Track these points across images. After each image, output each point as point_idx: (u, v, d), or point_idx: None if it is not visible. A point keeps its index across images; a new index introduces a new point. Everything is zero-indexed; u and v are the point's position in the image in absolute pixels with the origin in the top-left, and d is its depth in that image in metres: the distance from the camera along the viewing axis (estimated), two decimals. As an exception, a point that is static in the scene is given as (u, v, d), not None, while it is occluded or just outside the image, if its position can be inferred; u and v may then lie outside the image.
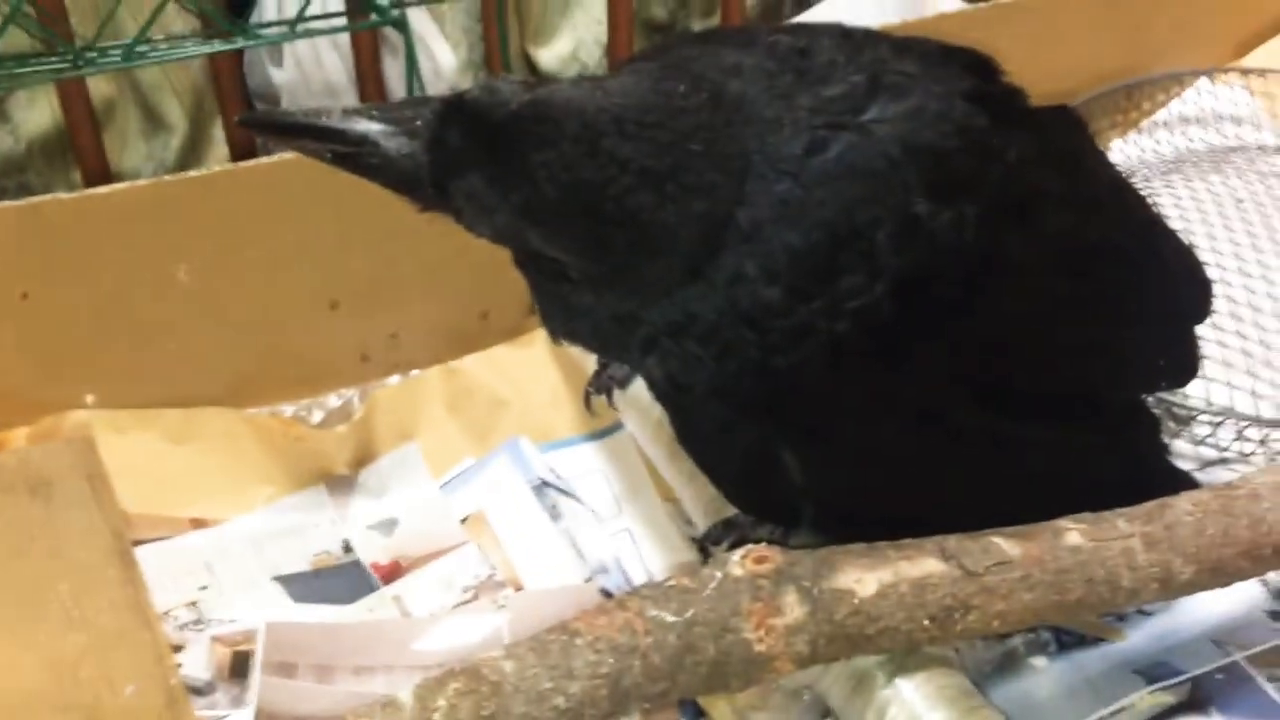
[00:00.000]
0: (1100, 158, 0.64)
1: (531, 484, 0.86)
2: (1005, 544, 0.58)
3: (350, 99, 1.21)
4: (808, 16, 1.28)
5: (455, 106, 0.51)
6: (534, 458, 0.88)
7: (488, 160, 0.51)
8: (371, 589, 0.81)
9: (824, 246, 0.52)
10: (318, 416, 0.88)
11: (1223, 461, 0.76)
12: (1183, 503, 0.61)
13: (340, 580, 0.82)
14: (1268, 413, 0.77)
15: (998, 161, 0.56)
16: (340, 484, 0.87)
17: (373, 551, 0.84)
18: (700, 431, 0.57)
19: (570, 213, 0.51)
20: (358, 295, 0.87)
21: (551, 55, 1.34)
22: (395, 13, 1.04)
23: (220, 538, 0.82)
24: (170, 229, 0.80)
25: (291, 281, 0.85)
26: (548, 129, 0.50)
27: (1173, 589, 0.60)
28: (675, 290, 0.53)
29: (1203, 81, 1.03)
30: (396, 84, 1.24)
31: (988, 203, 0.54)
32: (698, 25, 1.37)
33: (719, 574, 0.55)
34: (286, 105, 1.24)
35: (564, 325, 0.60)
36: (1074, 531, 0.59)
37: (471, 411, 0.90)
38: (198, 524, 0.83)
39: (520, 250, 0.56)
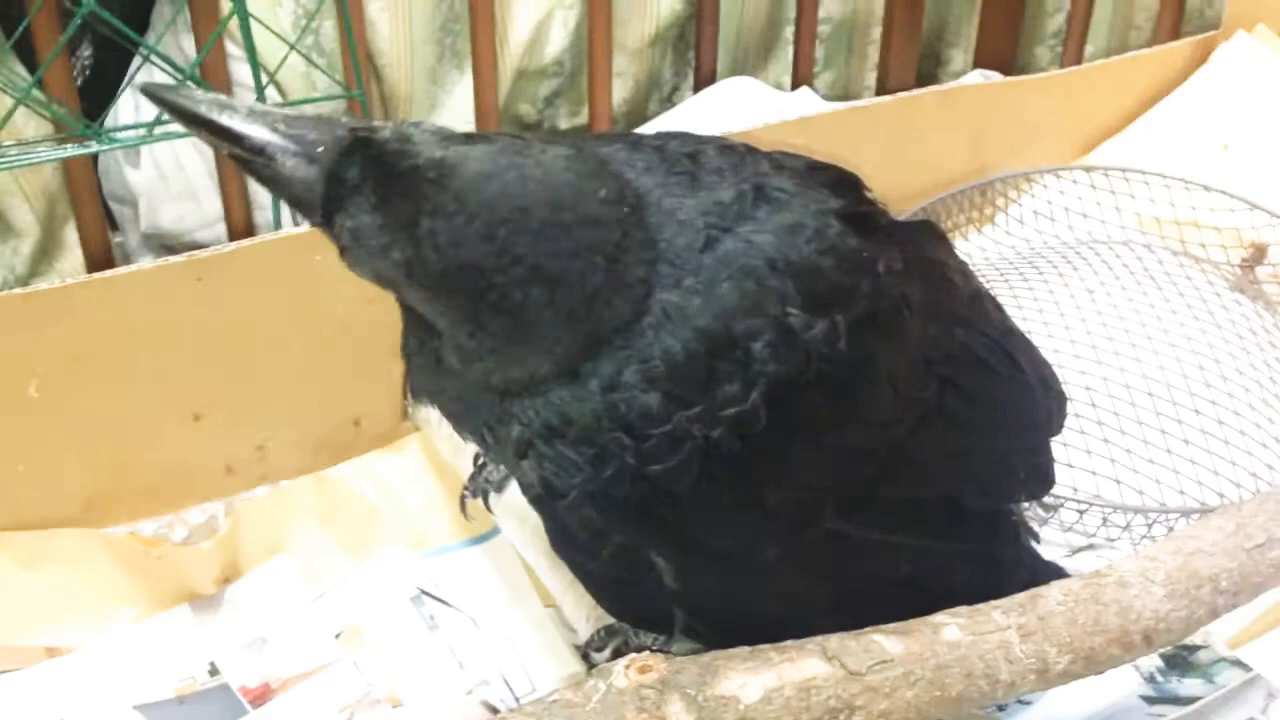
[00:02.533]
0: (962, 267, 0.66)
1: (409, 595, 0.84)
2: (885, 641, 0.58)
3: (213, 201, 1.19)
4: (674, 115, 1.31)
5: (362, 142, 0.50)
6: (411, 566, 0.86)
7: (380, 207, 0.50)
8: (240, 714, 0.78)
9: (703, 354, 0.52)
10: (180, 533, 0.84)
11: (1090, 547, 0.78)
12: (1054, 592, 0.63)
13: (206, 707, 0.78)
14: (1130, 499, 0.79)
15: (868, 275, 0.57)
16: (206, 604, 0.83)
17: (241, 674, 0.80)
18: (573, 537, 0.57)
19: (450, 286, 0.50)
20: (221, 406, 0.84)
21: None
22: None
23: (77, 667, 0.78)
24: (20, 342, 0.77)
25: (150, 394, 0.82)
26: (446, 198, 0.49)
27: (1049, 679, 0.61)
28: (549, 389, 0.53)
29: (1049, 179, 1.07)
30: (261, 187, 1.23)
31: (858, 314, 0.56)
32: (564, 123, 1.39)
33: (603, 685, 0.54)
34: (145, 209, 1.22)
35: (431, 383, 0.59)
36: (952, 626, 0.60)
37: (345, 521, 0.87)
38: (53, 653, 0.78)
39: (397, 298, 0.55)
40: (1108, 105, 1.12)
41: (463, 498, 0.79)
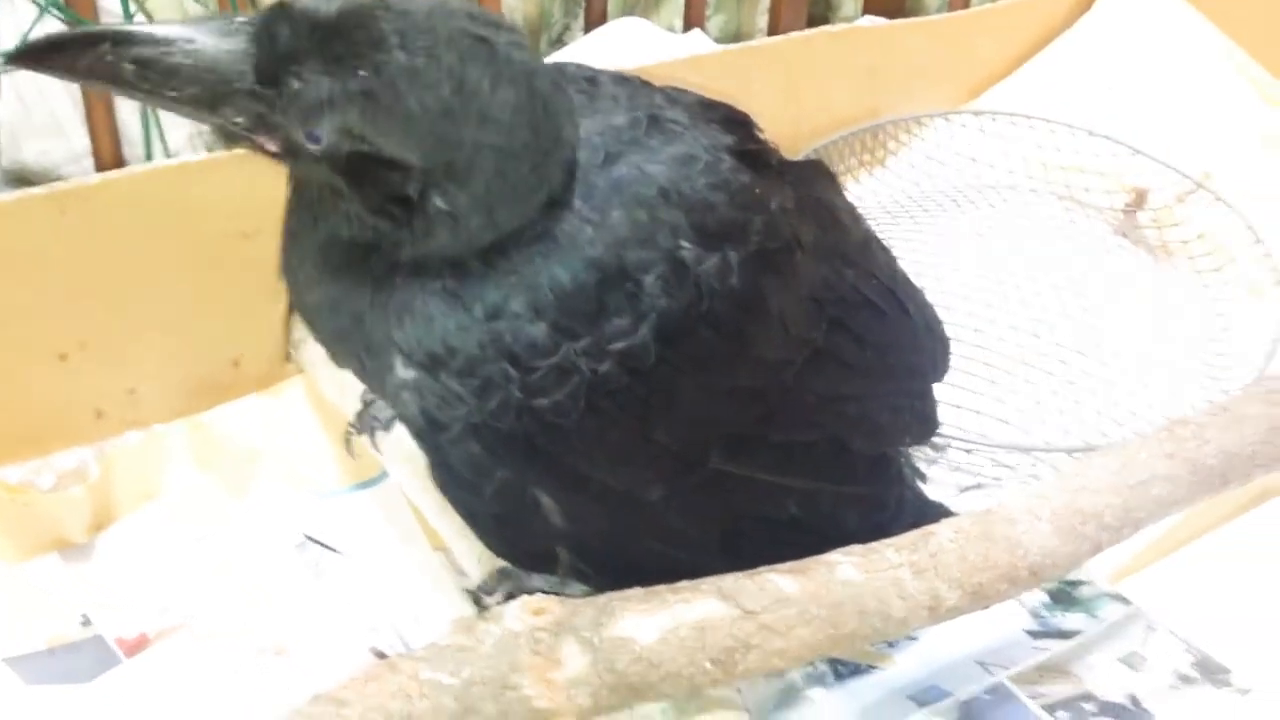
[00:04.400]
0: (851, 210, 0.66)
1: (294, 541, 0.81)
2: (781, 581, 0.58)
3: (79, 133, 1.14)
4: (564, 54, 1.29)
5: (284, 5, 0.48)
6: (295, 511, 0.83)
7: (331, 57, 0.47)
8: (114, 665, 0.75)
9: (593, 285, 0.51)
10: (48, 480, 0.80)
11: (978, 487, 0.79)
12: (944, 530, 0.63)
13: (79, 658, 0.74)
14: (1016, 439, 0.80)
15: (760, 212, 0.56)
16: (76, 552, 0.79)
17: (115, 624, 0.77)
18: (457, 474, 0.55)
19: (412, 131, 0.48)
20: (89, 346, 0.80)
21: None
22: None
23: (-62, 619, 0.74)
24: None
25: (12, 333, 0.78)
26: (413, 38, 0.48)
27: (939, 614, 0.61)
28: (434, 304, 0.51)
29: (939, 122, 1.08)
30: (130, 118, 1.18)
31: (750, 251, 0.55)
32: None
33: (496, 629, 0.53)
34: (6, 143, 1.16)
35: (313, 295, 0.56)
36: (846, 564, 0.60)
37: (222, 466, 0.84)
38: (-90, 603, 0.75)
39: (337, 166, 0.51)
40: (996, 49, 1.13)
41: (348, 434, 0.76)
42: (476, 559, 0.68)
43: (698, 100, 0.59)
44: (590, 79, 0.56)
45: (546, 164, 0.51)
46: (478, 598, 0.66)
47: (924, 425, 0.67)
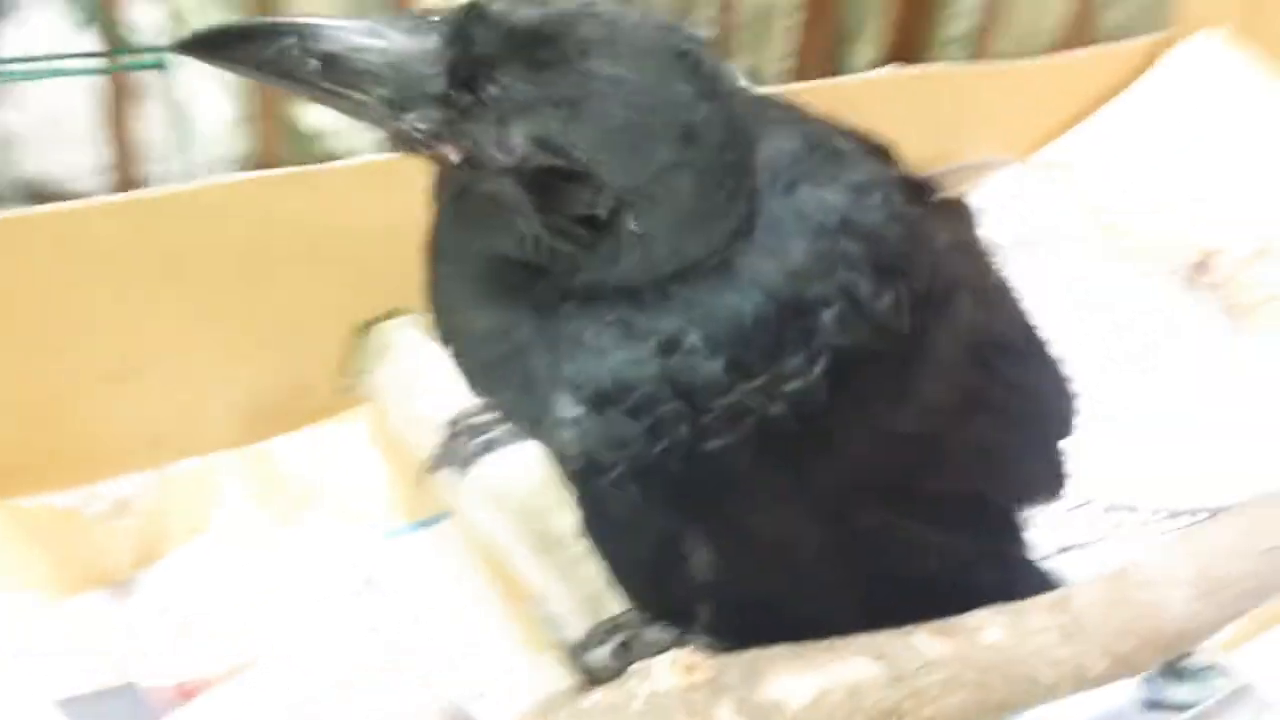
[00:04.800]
0: (991, 252, 0.63)
1: (352, 586, 0.77)
2: (927, 641, 0.55)
3: (94, 148, 1.09)
4: None
5: (480, 9, 0.45)
6: (353, 552, 0.78)
7: (525, 55, 0.44)
8: (165, 714, 0.69)
9: (773, 320, 0.48)
10: (95, 508, 0.75)
11: (1076, 548, 0.76)
12: (1085, 593, 0.60)
13: (127, 704, 0.70)
14: (1117, 499, 0.78)
15: (928, 249, 0.53)
16: (123, 589, 0.74)
17: (164, 671, 0.72)
18: (611, 520, 0.51)
19: (610, 143, 0.44)
20: (149, 367, 0.76)
21: (324, 112, 1.26)
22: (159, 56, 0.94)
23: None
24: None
25: (72, 351, 0.73)
26: (616, 49, 0.44)
27: (1086, 683, 0.58)
28: (609, 342, 0.48)
29: (1008, 170, 1.06)
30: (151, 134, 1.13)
31: (921, 289, 0.52)
32: None
33: (647, 686, 0.49)
34: (23, 154, 1.11)
35: (468, 320, 0.52)
36: (992, 627, 0.57)
37: (277, 500, 0.79)
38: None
39: (524, 179, 0.47)
40: (1065, 98, 1.11)
41: (425, 471, 0.72)
42: (577, 609, 0.64)
43: (849, 126, 0.56)
44: (758, 100, 0.53)
45: (740, 190, 0.48)
46: (578, 651, 0.62)
47: (1059, 481, 0.64)
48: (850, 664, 0.52)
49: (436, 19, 0.45)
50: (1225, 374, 0.92)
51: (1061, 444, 0.64)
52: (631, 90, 0.44)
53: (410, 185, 0.82)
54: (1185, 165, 1.06)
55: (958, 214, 0.62)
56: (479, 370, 0.54)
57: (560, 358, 0.48)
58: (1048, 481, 0.63)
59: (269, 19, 0.45)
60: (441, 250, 0.54)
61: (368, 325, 0.81)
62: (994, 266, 0.62)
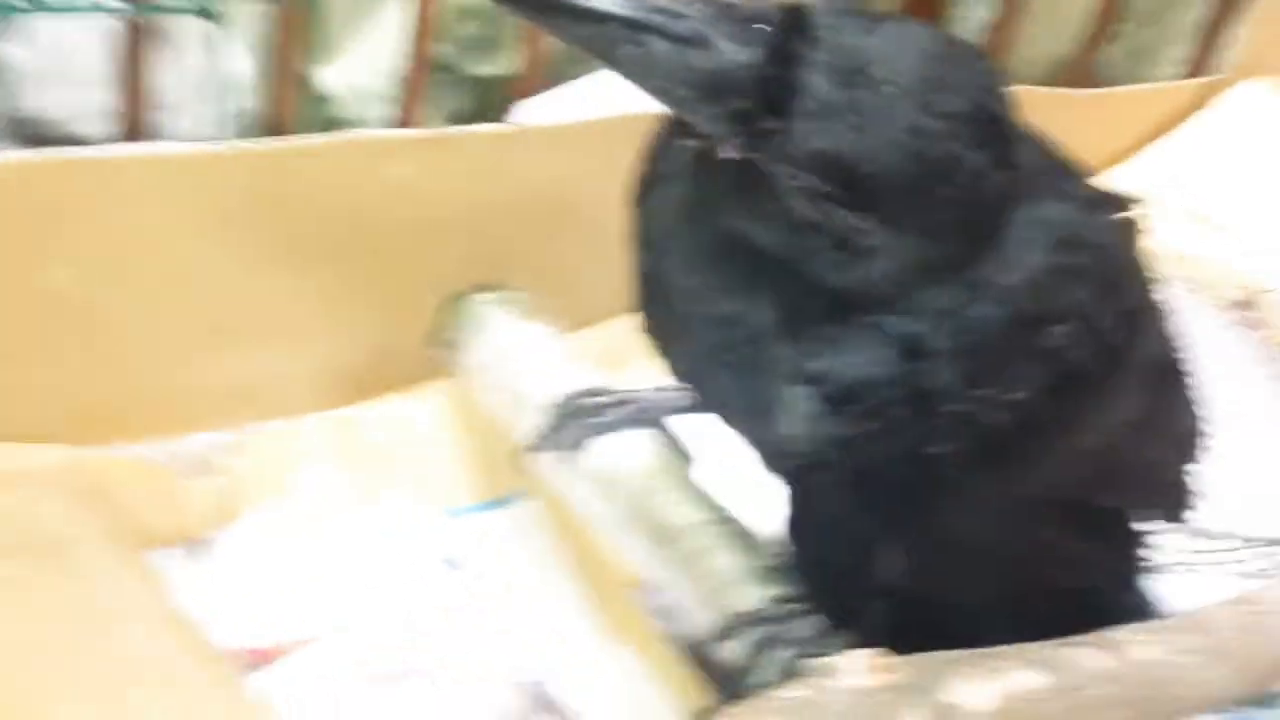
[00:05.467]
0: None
1: (438, 558, 0.75)
2: (1086, 655, 0.55)
3: (102, 92, 1.05)
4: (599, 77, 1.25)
5: (800, 17, 0.44)
6: (434, 526, 0.76)
7: (837, 80, 0.43)
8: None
9: (1011, 333, 0.48)
10: (178, 463, 0.73)
11: (1173, 568, 0.77)
12: (1219, 614, 0.61)
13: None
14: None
15: (1134, 267, 0.54)
16: (201, 549, 0.72)
17: (233, 633, 0.69)
18: (822, 517, 0.51)
19: (892, 164, 0.44)
20: (241, 325, 0.73)
21: (334, 77, 1.23)
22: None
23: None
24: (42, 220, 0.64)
25: (167, 302, 0.70)
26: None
27: (1223, 703, 0.59)
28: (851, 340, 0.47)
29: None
30: (171, 81, 1.10)
31: (1130, 305, 0.52)
32: (478, 70, 1.30)
33: (841, 684, 0.48)
34: (18, 91, 1.06)
35: (706, 305, 0.51)
36: (1142, 643, 0.57)
37: (357, 468, 0.77)
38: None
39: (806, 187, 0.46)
40: (1108, 136, 1.13)
41: (524, 450, 0.70)
42: (701, 601, 0.63)
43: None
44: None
45: (1001, 205, 0.47)
46: (707, 643, 0.61)
47: (1190, 500, 0.64)
48: (1023, 674, 0.52)
49: (762, 27, 0.43)
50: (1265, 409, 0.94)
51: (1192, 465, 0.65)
52: (917, 112, 0.43)
53: (514, 161, 0.81)
54: (1232, 206, 1.08)
55: (1135, 228, 0.62)
56: (699, 354, 0.53)
57: (803, 351, 0.48)
58: (1183, 500, 0.63)
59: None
60: (662, 227, 0.52)
61: (460, 297, 0.79)
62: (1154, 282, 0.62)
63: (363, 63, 1.26)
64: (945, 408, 0.47)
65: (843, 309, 0.47)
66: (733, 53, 0.43)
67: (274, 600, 0.71)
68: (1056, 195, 0.50)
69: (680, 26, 0.43)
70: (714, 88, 0.43)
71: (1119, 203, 0.55)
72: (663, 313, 0.54)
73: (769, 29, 0.43)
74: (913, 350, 0.47)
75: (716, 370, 0.52)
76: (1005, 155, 0.46)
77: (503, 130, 0.81)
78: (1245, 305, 1.04)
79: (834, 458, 0.48)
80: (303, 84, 1.22)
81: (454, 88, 1.38)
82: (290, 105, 1.18)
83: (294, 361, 0.75)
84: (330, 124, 1.22)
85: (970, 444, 0.48)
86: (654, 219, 0.54)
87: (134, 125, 1.06)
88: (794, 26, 0.43)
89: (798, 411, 0.48)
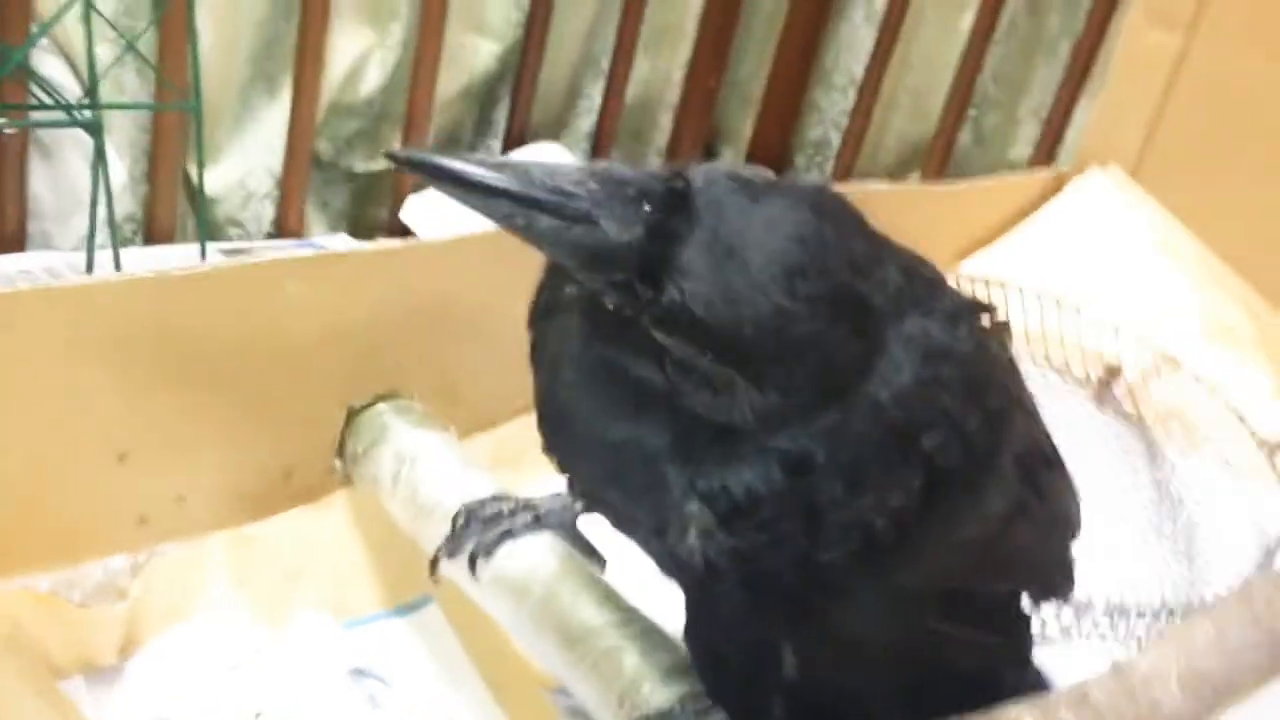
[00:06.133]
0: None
1: (344, 670, 0.75)
2: (980, 737, 0.58)
3: None
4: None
5: (680, 196, 0.47)
6: (338, 638, 0.77)
7: (713, 260, 0.46)
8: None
9: (889, 445, 0.51)
10: (78, 592, 0.72)
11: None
12: (1096, 689, 0.64)
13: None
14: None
15: (999, 369, 0.58)
16: (104, 677, 0.71)
17: (146, 761, 0.69)
18: (718, 622, 0.53)
19: (758, 332, 0.47)
20: (139, 449, 0.73)
21: (215, 179, 1.24)
22: (88, 114, 0.91)
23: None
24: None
25: (61, 430, 0.70)
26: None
27: (1107, 775, 0.62)
28: (739, 459, 0.50)
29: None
30: (43, 190, 1.09)
31: (996, 408, 0.56)
32: (360, 167, 1.33)
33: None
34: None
35: (602, 432, 0.53)
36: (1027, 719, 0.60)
37: (260, 585, 0.77)
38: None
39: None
40: (967, 226, 1.20)
41: (436, 558, 0.71)
42: (606, 702, 0.64)
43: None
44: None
45: (870, 334, 0.51)
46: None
47: (1071, 579, 0.68)
48: (922, 757, 0.55)
49: (646, 208, 0.46)
50: (1135, 483, 1.00)
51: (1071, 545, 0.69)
52: (782, 296, 0.47)
53: (402, 274, 0.83)
54: (1085, 289, 1.15)
55: (1001, 329, 0.66)
56: (599, 476, 0.55)
57: (695, 472, 0.50)
58: (1064, 580, 0.67)
59: (489, 169, 0.46)
60: (557, 353, 0.55)
61: (357, 409, 0.80)
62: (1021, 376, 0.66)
63: (244, 164, 1.27)
64: (831, 518, 0.50)
65: (730, 433, 0.50)
66: (615, 231, 0.46)
67: (183, 725, 0.71)
68: (922, 310, 0.53)
69: (569, 205, 0.46)
70: (596, 261, 0.47)
71: (978, 309, 0.59)
72: (560, 435, 0.57)
73: (651, 209, 0.47)
74: (798, 467, 0.50)
75: (614, 490, 0.55)
76: (863, 326, 0.50)
77: (391, 246, 0.83)
78: (1104, 384, 1.10)
79: (727, 570, 0.51)
80: (184, 187, 1.23)
81: (337, 185, 1.40)
82: (169, 210, 1.19)
83: (193, 482, 0.75)
84: (212, 226, 1.23)
85: (855, 548, 0.51)
86: (550, 343, 0.57)
87: (14, 235, 1.06)
88: (676, 207, 0.47)
89: (692, 528, 0.51)
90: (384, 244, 0.91)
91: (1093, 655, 0.83)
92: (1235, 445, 1.01)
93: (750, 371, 0.48)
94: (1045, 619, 0.82)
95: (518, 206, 0.46)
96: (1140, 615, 0.81)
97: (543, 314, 0.58)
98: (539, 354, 0.58)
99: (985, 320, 0.61)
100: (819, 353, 0.48)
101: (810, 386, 0.49)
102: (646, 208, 0.46)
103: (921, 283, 0.55)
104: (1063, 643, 0.82)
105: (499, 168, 0.46)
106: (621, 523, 0.58)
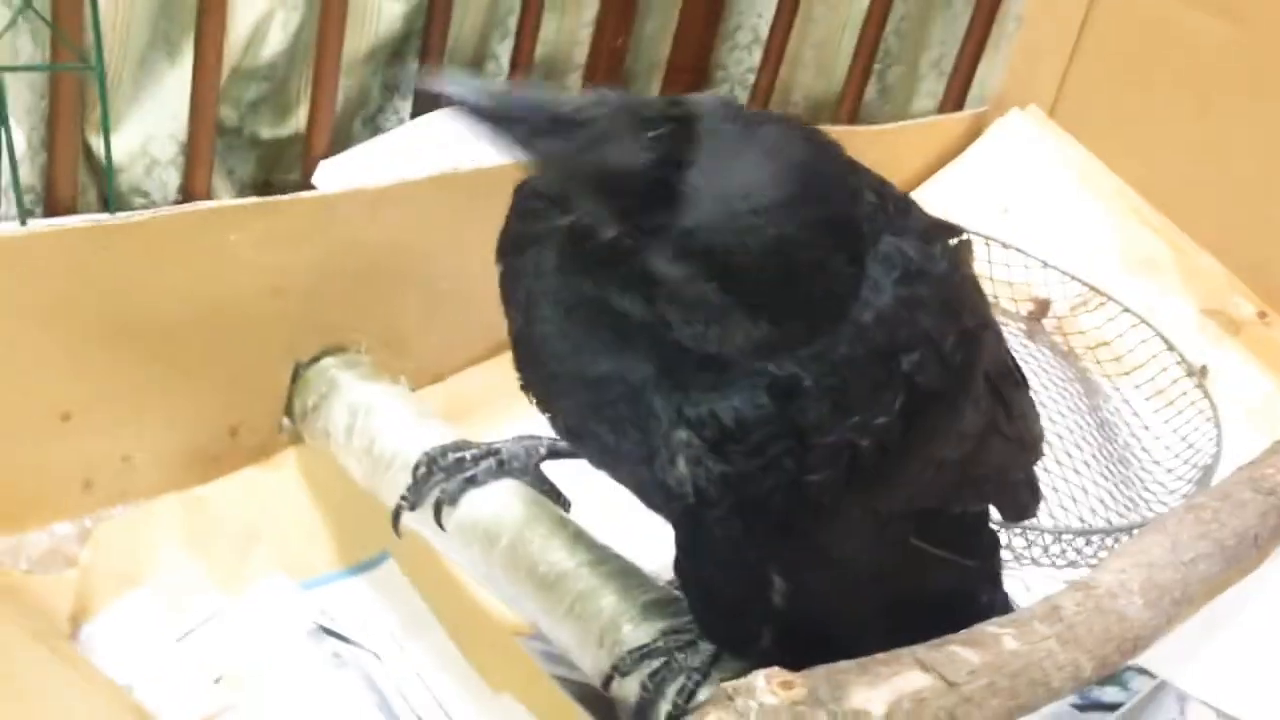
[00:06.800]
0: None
1: (305, 630, 0.73)
2: (964, 652, 0.59)
3: None
4: (393, 137, 1.25)
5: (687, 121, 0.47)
6: (297, 598, 0.75)
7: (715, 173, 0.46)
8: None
9: (872, 366, 0.51)
10: (24, 562, 0.69)
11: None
12: (1067, 603, 0.66)
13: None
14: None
15: (971, 290, 0.58)
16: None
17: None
18: (711, 553, 0.53)
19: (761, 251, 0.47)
20: (84, 410, 0.70)
21: (118, 146, 1.19)
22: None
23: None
24: None
25: (3, 392, 0.67)
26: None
27: (1080, 684, 0.64)
28: (729, 385, 0.49)
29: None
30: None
31: (970, 328, 0.56)
32: (266, 132, 1.29)
33: (754, 703, 0.50)
34: None
35: (585, 367, 0.53)
36: (1007, 635, 0.61)
37: (214, 547, 0.75)
38: None
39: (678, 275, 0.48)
40: (889, 170, 1.20)
41: (398, 509, 0.70)
42: (583, 643, 0.64)
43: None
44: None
45: (859, 285, 0.51)
46: (608, 680, 0.62)
47: (1036, 498, 0.70)
48: (909, 676, 0.55)
49: (657, 134, 0.46)
50: (1084, 414, 1.02)
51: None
52: (786, 223, 0.47)
53: (347, 222, 0.81)
54: (1010, 226, 1.17)
55: (968, 249, 0.67)
56: (583, 411, 0.54)
57: (683, 400, 0.50)
58: (1032, 499, 0.69)
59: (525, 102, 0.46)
60: (531, 291, 0.54)
61: (307, 364, 0.78)
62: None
63: (145, 130, 1.23)
64: (817, 440, 0.50)
65: (715, 362, 0.50)
66: (625, 157, 0.46)
67: (142, 695, 0.69)
68: (895, 230, 0.53)
69: (578, 132, 0.45)
70: (604, 187, 0.46)
71: (949, 229, 0.60)
72: (539, 372, 0.56)
73: (660, 136, 0.46)
74: (786, 391, 0.50)
75: (598, 424, 0.54)
76: (858, 252, 0.51)
77: (326, 194, 0.81)
78: (1036, 316, 1.13)
79: (718, 496, 0.51)
80: (84, 157, 1.18)
81: (243, 151, 1.36)
82: (70, 180, 1.14)
83: (139, 441, 0.73)
84: (116, 196, 1.18)
85: (841, 469, 0.51)
86: (522, 281, 0.55)
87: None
88: (678, 135, 0.46)
89: (680, 455, 0.50)
90: (326, 191, 0.88)
91: (1043, 577, 0.85)
92: (1164, 371, 1.05)
93: (748, 300, 0.48)
94: (1010, 541, 0.84)
95: (529, 134, 0.45)
96: (1086, 538, 0.83)
97: (513, 248, 0.57)
98: (511, 289, 0.57)
99: (953, 240, 0.62)
100: (817, 279, 0.49)
101: (803, 315, 0.49)
102: (649, 135, 0.46)
103: (893, 202, 0.55)
104: (1013, 566, 0.83)
105: (510, 95, 0.45)
106: (605, 458, 0.57)
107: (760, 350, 0.50)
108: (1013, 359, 0.66)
